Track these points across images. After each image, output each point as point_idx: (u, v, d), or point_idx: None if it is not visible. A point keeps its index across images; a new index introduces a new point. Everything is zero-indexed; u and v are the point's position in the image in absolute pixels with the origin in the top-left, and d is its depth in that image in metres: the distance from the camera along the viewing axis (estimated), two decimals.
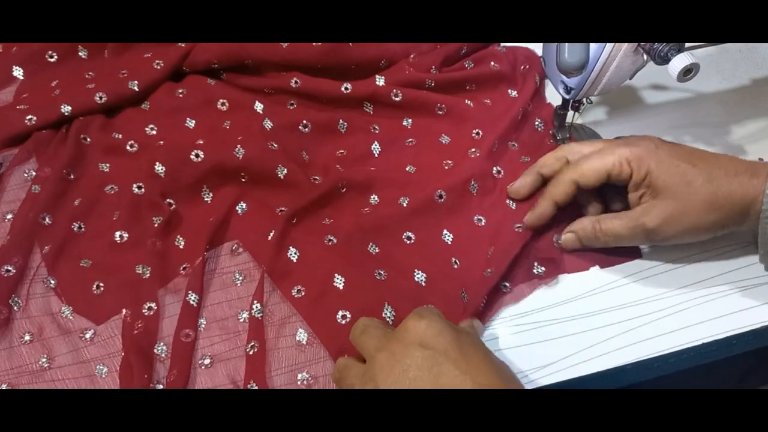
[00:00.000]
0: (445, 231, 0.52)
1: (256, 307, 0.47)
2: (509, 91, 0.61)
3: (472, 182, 0.54)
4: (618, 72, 0.49)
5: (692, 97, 0.63)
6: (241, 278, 0.49)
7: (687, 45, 0.47)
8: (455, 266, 0.50)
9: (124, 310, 0.47)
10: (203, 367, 0.45)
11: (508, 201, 0.53)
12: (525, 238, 0.51)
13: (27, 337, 0.46)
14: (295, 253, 0.50)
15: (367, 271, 0.48)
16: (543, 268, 0.50)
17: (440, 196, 0.53)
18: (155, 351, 0.45)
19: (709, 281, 0.49)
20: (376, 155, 0.57)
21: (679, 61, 0.46)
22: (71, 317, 0.47)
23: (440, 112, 0.59)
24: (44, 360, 0.45)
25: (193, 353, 0.46)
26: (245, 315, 0.47)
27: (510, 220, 0.52)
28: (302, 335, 0.46)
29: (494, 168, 0.56)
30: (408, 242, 0.51)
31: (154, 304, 0.47)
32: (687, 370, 0.45)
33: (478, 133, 0.58)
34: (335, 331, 0.46)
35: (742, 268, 0.50)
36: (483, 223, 0.53)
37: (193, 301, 0.48)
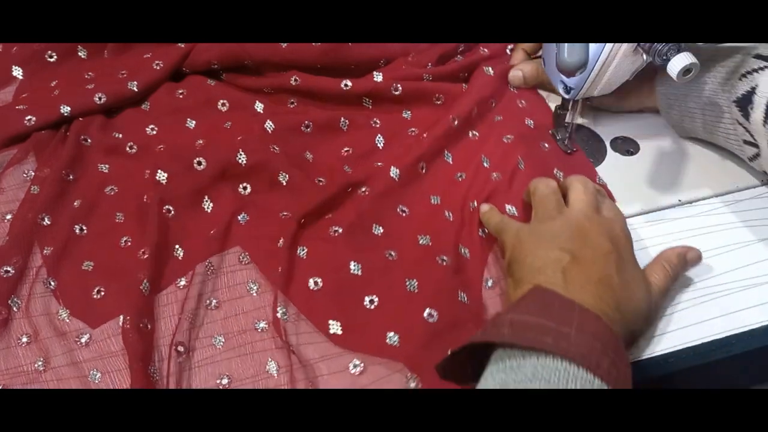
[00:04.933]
0: (431, 196, 0.54)
1: (281, 310, 0.46)
2: (485, 68, 0.62)
3: (446, 152, 0.57)
4: (618, 72, 0.49)
5: None
6: (256, 287, 0.48)
7: (686, 45, 0.47)
8: (449, 219, 0.52)
9: (121, 317, 0.46)
10: (221, 387, 0.44)
11: (482, 158, 0.56)
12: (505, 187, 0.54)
13: (24, 339, 0.46)
14: (303, 249, 0.50)
15: (380, 254, 0.49)
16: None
17: (422, 167, 0.55)
18: (150, 370, 0.44)
19: (709, 281, 0.49)
20: (381, 147, 0.58)
21: (679, 61, 0.46)
22: (68, 320, 0.47)
23: (438, 102, 0.60)
24: (40, 363, 0.45)
25: (210, 371, 0.45)
26: (263, 324, 0.47)
27: (488, 172, 0.55)
28: (335, 326, 0.46)
29: (470, 132, 0.58)
30: (403, 214, 0.53)
31: (150, 318, 0.46)
32: (687, 370, 0.45)
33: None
34: (366, 317, 0.46)
35: (741, 267, 0.50)
36: (463, 178, 0.55)
37: (189, 314, 0.46)
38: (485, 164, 0.56)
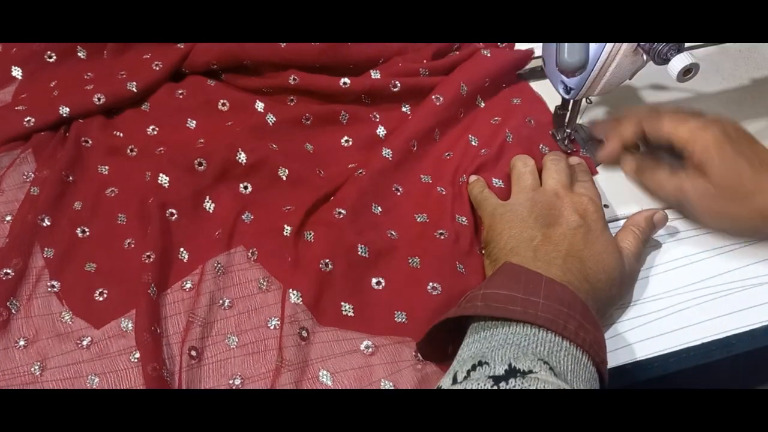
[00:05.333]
0: (421, 175, 0.56)
1: (296, 294, 0.46)
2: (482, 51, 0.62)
3: (436, 130, 0.58)
4: (618, 72, 0.49)
5: (692, 97, 0.63)
6: (266, 284, 0.48)
7: (687, 45, 0.47)
8: (443, 193, 0.54)
9: (123, 319, 0.46)
10: (234, 387, 0.44)
11: (470, 137, 0.57)
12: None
13: (22, 342, 0.45)
14: (310, 234, 0.50)
15: (382, 234, 0.51)
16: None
17: (413, 145, 0.56)
18: (164, 375, 0.44)
19: (709, 281, 0.49)
20: (382, 137, 0.58)
21: (679, 61, 0.46)
22: (70, 322, 0.47)
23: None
24: (36, 367, 0.44)
25: (223, 371, 0.45)
26: (275, 322, 0.47)
27: (476, 149, 0.56)
28: (348, 308, 0.47)
29: (459, 111, 0.59)
30: (398, 193, 0.54)
31: (159, 321, 0.46)
32: (687, 370, 0.45)
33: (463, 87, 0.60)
34: (374, 299, 0.47)
35: (741, 267, 0.50)
36: (450, 156, 0.57)
37: (201, 315, 0.46)
38: (473, 143, 0.57)
